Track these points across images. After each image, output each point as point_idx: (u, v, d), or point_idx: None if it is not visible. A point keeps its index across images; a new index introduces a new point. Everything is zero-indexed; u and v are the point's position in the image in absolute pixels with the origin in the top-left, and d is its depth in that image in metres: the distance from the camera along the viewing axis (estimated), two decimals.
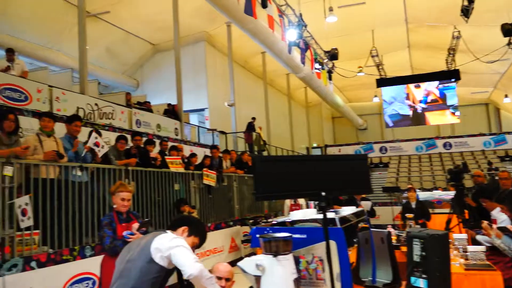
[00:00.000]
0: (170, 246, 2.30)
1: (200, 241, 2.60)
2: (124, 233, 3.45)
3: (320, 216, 2.63)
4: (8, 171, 4.24)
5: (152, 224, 6.18)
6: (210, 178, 8.11)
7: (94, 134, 5.48)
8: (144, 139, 7.47)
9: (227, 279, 2.52)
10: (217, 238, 8.20)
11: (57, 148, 4.98)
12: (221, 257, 8.06)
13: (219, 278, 2.46)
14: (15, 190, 4.37)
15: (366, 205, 6.55)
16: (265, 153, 16.44)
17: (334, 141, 30.39)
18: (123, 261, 2.43)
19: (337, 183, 2.51)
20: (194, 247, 2.53)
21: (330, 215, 2.65)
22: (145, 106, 12.49)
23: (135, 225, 3.58)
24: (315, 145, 26.79)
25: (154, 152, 7.35)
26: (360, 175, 2.62)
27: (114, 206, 3.68)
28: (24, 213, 4.35)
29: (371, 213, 6.85)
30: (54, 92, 8.46)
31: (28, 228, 4.41)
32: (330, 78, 17.49)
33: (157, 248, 2.32)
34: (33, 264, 4.33)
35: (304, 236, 2.56)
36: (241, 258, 3.97)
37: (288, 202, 6.84)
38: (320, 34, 15.33)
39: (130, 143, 6.91)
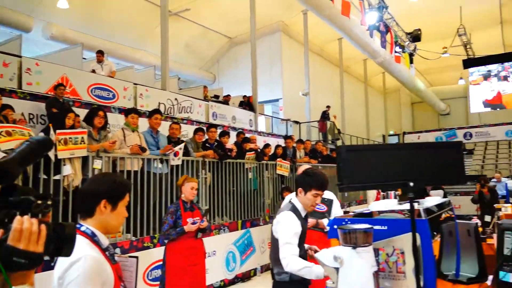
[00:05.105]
0: None
1: None
2: (189, 219, 4.00)
3: (402, 207, 2.47)
4: (98, 164, 4.58)
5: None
6: (283, 168, 8.12)
7: (181, 145, 5.63)
8: (219, 131, 7.63)
9: None
10: None
11: (140, 142, 5.27)
12: None
13: None
14: None
15: (437, 195, 5.97)
16: (339, 142, 16.05)
17: (413, 128, 28.46)
18: None
19: (427, 173, 2.33)
20: None
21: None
22: (224, 99, 12.77)
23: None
24: (391, 132, 25.59)
25: (229, 143, 7.49)
26: (453, 164, 2.41)
27: (182, 196, 4.13)
28: None
29: None
30: (139, 89, 8.99)
31: None
32: (411, 62, 16.49)
33: None
34: (118, 250, 4.64)
35: (385, 227, 2.41)
36: None
37: (374, 192, 6.56)
38: (402, 15, 14.57)
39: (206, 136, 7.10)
